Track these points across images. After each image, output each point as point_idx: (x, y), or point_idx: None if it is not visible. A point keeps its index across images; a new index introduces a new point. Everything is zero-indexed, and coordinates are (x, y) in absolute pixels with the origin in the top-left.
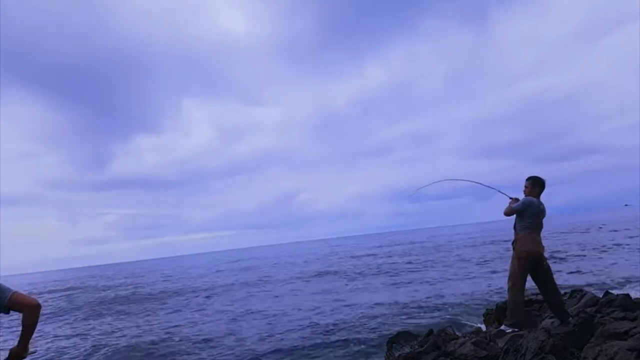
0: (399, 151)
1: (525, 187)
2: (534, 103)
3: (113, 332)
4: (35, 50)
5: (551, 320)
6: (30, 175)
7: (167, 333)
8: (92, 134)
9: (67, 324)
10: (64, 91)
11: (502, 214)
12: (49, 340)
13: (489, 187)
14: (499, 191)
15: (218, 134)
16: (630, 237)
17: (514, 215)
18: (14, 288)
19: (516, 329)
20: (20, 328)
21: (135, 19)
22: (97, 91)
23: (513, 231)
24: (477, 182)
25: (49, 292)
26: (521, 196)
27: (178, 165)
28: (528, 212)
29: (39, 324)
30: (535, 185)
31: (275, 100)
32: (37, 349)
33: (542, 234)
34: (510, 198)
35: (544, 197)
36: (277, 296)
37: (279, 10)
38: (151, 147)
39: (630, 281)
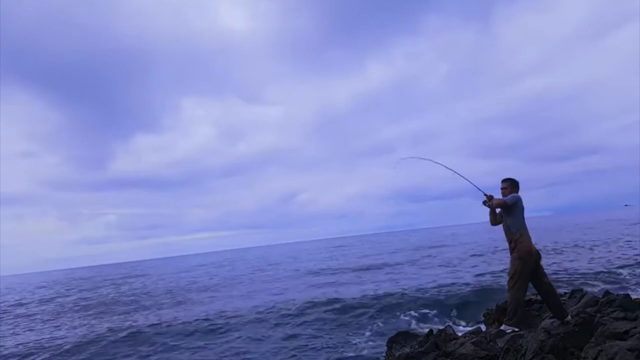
0: (400, 150)
1: (504, 187)
2: (535, 102)
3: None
4: (35, 49)
5: (551, 320)
6: (30, 175)
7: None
8: (92, 133)
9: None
10: (63, 90)
11: (491, 223)
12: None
13: (464, 178)
14: (475, 186)
15: (218, 133)
16: (630, 237)
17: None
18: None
19: (516, 329)
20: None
21: (136, 18)
22: (97, 90)
23: (506, 232)
24: (457, 173)
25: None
26: (497, 195)
27: (178, 165)
28: (520, 208)
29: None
30: (514, 185)
31: (276, 99)
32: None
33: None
34: (485, 195)
35: (543, 197)
36: (274, 293)
37: (281, 8)
38: (151, 147)
39: (630, 281)
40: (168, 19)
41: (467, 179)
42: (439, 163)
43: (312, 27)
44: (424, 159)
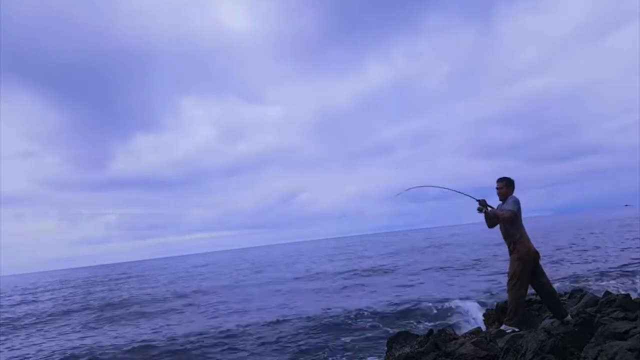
0: (401, 150)
1: (500, 187)
2: (535, 102)
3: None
4: (35, 49)
5: (551, 320)
6: (30, 175)
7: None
8: (92, 133)
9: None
10: (63, 90)
11: (488, 226)
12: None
13: (456, 191)
14: (466, 194)
15: (218, 133)
16: (630, 237)
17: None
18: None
19: (516, 329)
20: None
21: (136, 18)
22: (97, 90)
23: (504, 234)
24: (446, 188)
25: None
26: (489, 199)
27: (178, 165)
28: (520, 210)
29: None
30: (510, 185)
31: (276, 99)
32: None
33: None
34: (478, 200)
35: (543, 197)
36: (269, 293)
37: (281, 8)
38: (151, 147)
39: (630, 281)
40: (168, 19)
41: (457, 191)
42: (432, 186)
43: (312, 27)
44: (420, 186)
